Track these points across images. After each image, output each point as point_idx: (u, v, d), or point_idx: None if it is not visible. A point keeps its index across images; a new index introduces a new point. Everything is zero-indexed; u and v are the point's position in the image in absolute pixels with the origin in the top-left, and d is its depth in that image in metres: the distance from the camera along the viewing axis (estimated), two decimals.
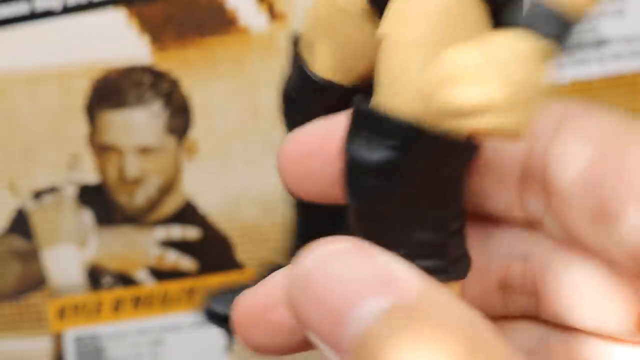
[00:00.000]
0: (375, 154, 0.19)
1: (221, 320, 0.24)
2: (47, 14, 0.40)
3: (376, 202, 0.20)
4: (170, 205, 0.43)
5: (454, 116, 0.18)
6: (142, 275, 0.45)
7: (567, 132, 0.22)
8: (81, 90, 0.41)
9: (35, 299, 0.45)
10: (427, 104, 0.19)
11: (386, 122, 0.19)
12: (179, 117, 0.42)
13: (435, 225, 0.20)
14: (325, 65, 0.24)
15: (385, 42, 0.20)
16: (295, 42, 0.25)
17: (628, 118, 0.22)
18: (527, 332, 0.24)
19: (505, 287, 0.24)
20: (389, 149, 0.19)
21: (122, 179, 0.43)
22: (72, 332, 0.45)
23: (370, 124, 0.20)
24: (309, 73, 0.24)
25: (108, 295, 0.45)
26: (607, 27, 0.42)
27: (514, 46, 0.18)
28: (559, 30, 0.18)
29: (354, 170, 0.20)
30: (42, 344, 0.45)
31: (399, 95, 0.19)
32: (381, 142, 0.19)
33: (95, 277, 0.44)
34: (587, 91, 0.41)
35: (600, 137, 0.21)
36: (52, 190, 0.43)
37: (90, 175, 0.43)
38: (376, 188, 0.20)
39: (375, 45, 0.20)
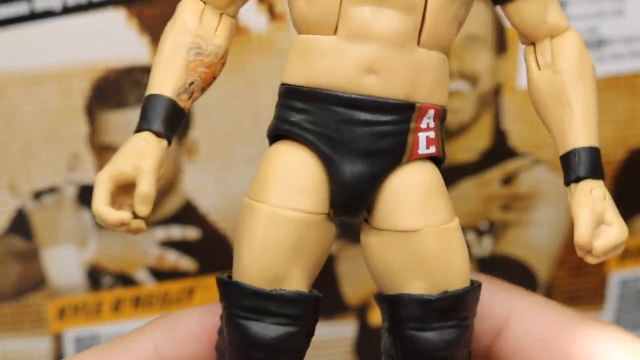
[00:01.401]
0: None
1: None
2: (47, 14, 0.40)
3: None
4: (170, 206, 0.43)
5: None
6: (142, 275, 0.45)
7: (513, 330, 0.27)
8: (81, 90, 0.41)
9: (35, 299, 0.45)
10: None
11: None
12: None
13: None
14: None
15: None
16: None
17: (567, 312, 0.27)
18: None
19: None
20: None
21: None
22: (72, 332, 0.45)
23: None
24: None
25: (108, 296, 0.45)
26: (606, 27, 0.42)
27: None
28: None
29: None
30: (42, 344, 0.45)
31: None
32: None
33: (95, 277, 0.44)
34: None
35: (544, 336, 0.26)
36: (52, 190, 0.43)
37: (90, 175, 0.43)
38: None
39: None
